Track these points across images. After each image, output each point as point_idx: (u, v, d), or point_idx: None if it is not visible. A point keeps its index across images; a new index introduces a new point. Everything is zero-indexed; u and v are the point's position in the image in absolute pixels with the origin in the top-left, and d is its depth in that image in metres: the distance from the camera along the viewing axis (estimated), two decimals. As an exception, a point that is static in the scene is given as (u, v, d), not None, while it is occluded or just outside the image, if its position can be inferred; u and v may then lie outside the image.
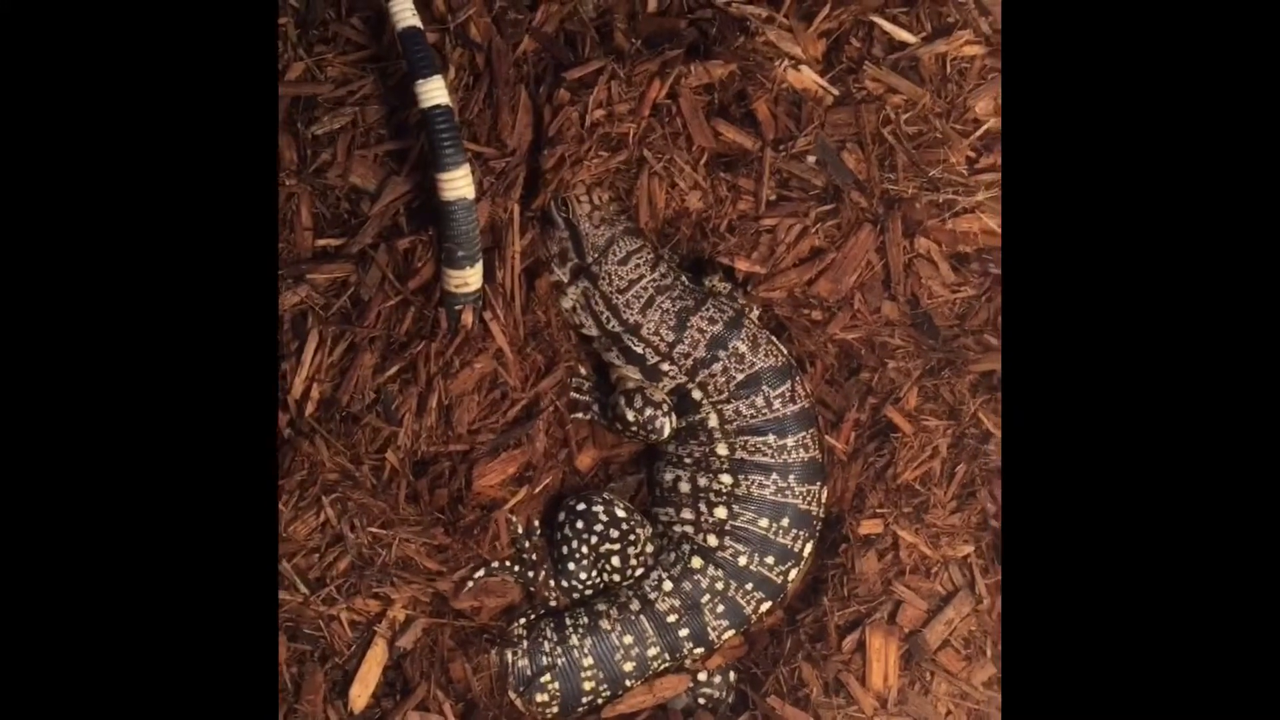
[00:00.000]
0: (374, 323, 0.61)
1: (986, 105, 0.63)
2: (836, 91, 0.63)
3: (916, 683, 0.63)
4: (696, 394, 0.62)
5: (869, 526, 0.63)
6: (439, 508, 0.61)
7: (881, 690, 0.63)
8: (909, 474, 0.63)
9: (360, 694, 0.60)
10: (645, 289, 0.62)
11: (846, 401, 0.64)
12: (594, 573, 0.63)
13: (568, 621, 0.63)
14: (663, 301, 0.62)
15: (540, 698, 0.62)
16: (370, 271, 0.61)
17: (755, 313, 0.64)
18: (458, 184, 0.59)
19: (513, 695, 0.62)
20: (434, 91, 0.59)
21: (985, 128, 0.63)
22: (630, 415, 0.62)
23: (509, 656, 0.62)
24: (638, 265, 0.62)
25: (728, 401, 0.61)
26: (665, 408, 0.62)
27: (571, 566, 0.63)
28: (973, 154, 0.63)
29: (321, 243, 0.62)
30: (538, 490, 0.63)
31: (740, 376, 0.61)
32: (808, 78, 0.63)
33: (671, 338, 0.61)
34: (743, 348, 0.61)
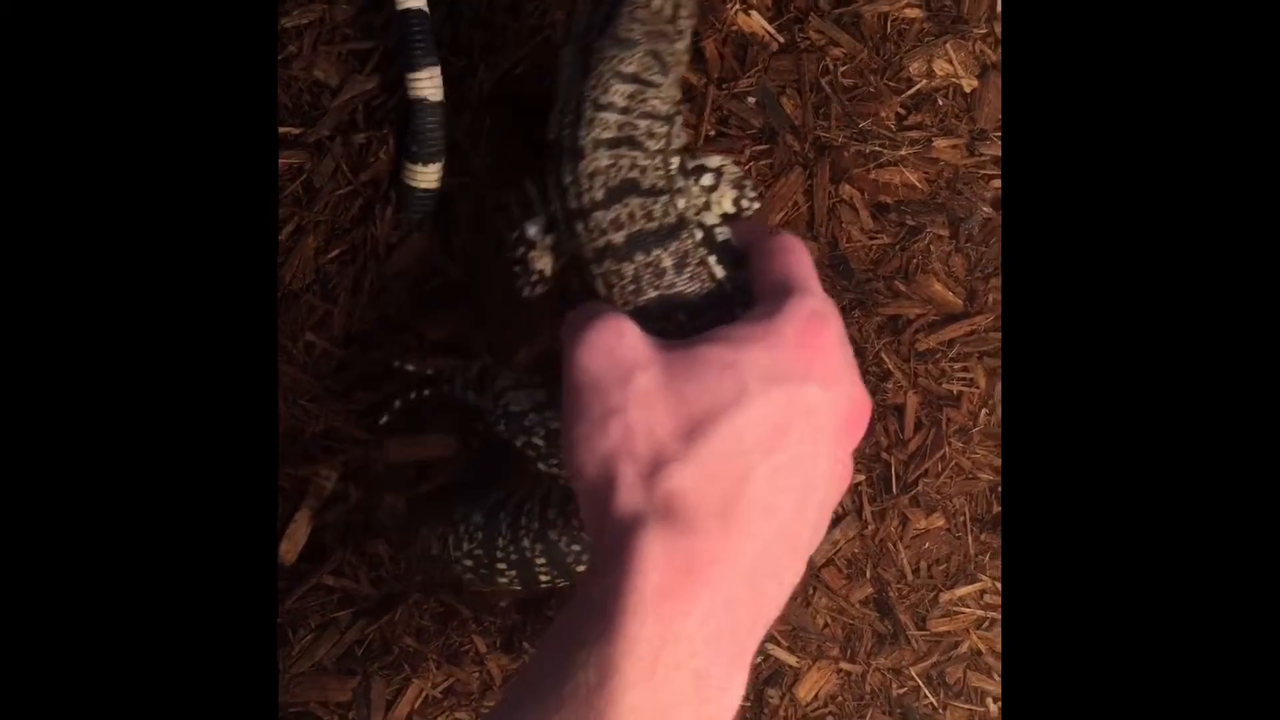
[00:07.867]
0: (323, 209, 0.64)
1: (920, 66, 0.67)
2: (782, 39, 0.66)
3: (799, 595, 0.68)
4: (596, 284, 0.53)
5: (771, 449, 0.67)
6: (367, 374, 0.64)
7: (766, 599, 0.67)
8: (813, 404, 0.67)
9: (289, 550, 0.64)
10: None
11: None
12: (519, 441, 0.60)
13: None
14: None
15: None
16: (324, 161, 0.64)
17: (698, 235, 0.62)
18: (424, 84, 0.62)
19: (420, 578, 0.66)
20: (409, -7, 0.61)
21: (916, 87, 0.67)
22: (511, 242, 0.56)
23: (434, 545, 0.64)
24: None
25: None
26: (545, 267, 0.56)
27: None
28: (902, 111, 0.67)
29: (281, 130, 0.65)
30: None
31: (652, 294, 0.52)
32: (756, 23, 0.66)
33: (600, 197, 0.52)
34: (666, 261, 0.52)
